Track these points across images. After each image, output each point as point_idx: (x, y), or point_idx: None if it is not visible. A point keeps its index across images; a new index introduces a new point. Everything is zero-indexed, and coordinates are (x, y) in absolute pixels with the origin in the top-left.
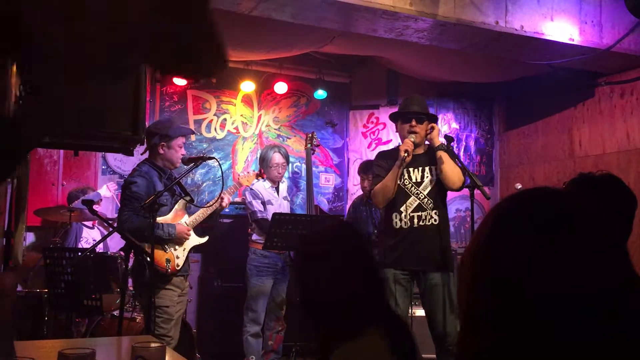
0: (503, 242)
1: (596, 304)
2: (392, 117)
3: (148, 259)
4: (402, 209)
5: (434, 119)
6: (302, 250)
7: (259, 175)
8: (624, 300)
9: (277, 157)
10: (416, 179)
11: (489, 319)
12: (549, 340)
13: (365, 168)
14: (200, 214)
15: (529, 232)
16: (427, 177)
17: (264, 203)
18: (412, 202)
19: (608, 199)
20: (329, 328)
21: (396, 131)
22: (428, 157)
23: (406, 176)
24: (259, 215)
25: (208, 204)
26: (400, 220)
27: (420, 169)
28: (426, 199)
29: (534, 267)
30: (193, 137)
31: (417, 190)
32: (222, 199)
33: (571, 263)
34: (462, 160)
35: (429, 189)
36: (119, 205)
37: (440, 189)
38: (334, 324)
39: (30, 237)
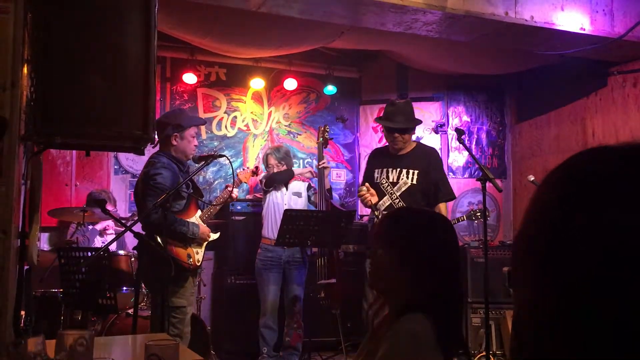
0: (583, 210)
1: None
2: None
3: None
4: (378, 205)
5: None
6: None
7: (255, 173)
8: None
9: (270, 159)
10: (393, 179)
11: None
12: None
13: None
14: (212, 210)
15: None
16: (402, 179)
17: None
18: (385, 201)
19: None
20: None
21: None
22: (410, 160)
23: (384, 175)
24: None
25: (215, 201)
26: (377, 217)
27: (398, 170)
28: (397, 200)
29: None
30: (204, 136)
31: (392, 190)
32: (231, 191)
33: None
34: (473, 152)
35: (402, 190)
36: (143, 198)
37: (416, 194)
38: None
39: (44, 238)
